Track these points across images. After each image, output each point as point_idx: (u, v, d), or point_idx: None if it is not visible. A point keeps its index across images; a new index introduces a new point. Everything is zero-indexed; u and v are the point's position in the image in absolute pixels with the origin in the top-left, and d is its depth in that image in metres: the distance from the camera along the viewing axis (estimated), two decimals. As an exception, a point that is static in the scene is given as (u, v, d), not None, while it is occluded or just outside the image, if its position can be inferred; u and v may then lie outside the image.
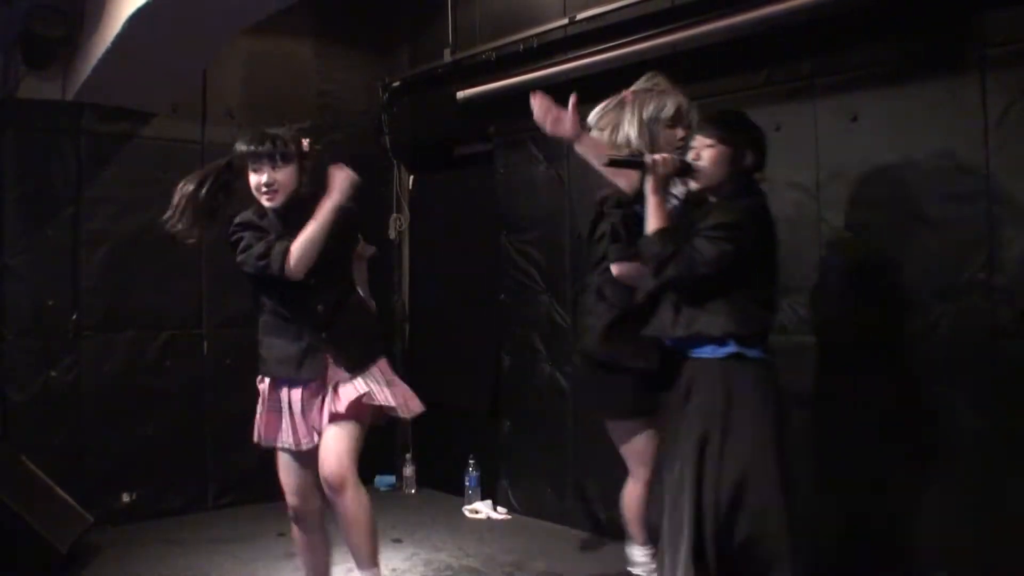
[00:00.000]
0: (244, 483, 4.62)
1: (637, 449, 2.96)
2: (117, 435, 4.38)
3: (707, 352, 2.51)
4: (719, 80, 3.68)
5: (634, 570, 3.04)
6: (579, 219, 4.27)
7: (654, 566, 2.92)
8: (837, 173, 3.29)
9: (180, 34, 3.75)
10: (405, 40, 5.38)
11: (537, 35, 4.33)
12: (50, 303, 4.29)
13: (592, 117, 2.96)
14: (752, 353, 2.49)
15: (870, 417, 3.19)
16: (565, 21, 4.21)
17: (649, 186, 2.52)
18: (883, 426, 3.15)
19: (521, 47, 4.39)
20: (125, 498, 4.43)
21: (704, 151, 2.57)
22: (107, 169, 4.46)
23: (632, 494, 3.01)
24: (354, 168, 3.02)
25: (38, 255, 4.28)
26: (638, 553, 3.03)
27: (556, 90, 4.26)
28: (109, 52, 3.82)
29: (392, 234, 5.46)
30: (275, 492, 4.77)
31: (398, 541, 4.14)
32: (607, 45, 3.97)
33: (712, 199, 2.58)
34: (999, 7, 2.90)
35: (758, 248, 2.51)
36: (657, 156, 2.53)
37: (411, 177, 5.48)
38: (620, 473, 4.08)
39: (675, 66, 3.75)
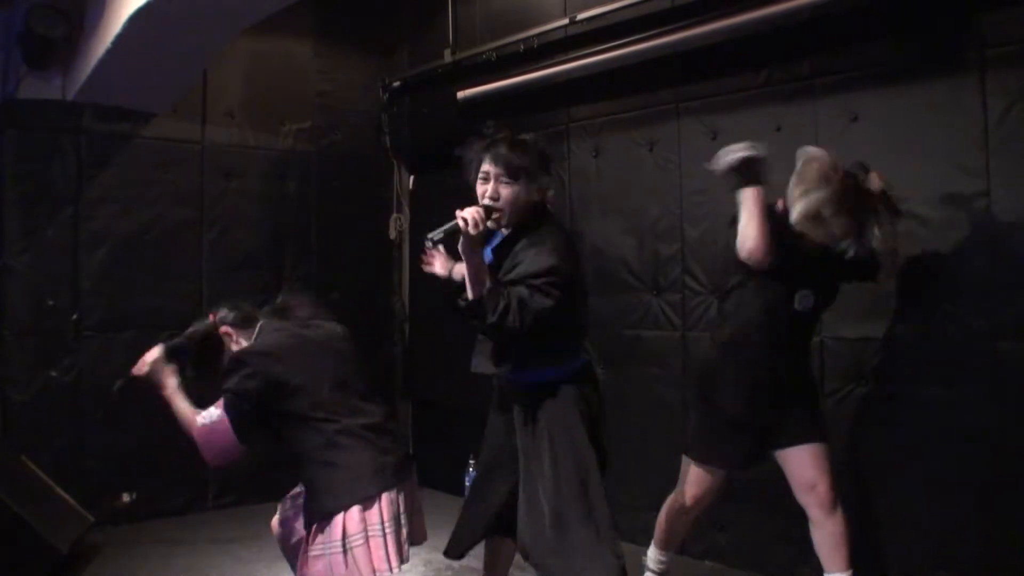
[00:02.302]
0: (244, 483, 4.62)
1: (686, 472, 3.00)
2: (117, 435, 4.38)
3: (535, 377, 2.58)
4: (719, 80, 3.68)
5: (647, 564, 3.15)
6: (579, 219, 4.28)
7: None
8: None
9: (180, 34, 3.75)
10: (405, 40, 5.38)
11: (537, 35, 4.33)
12: (50, 303, 4.29)
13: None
14: (569, 377, 2.58)
15: (870, 417, 3.19)
16: (565, 21, 4.21)
17: (462, 248, 2.33)
18: (883, 426, 3.15)
19: (521, 47, 4.39)
20: (125, 498, 4.43)
21: (501, 189, 2.44)
22: (107, 169, 4.46)
23: (671, 505, 3.08)
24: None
25: (38, 255, 4.27)
26: (652, 552, 3.14)
27: (556, 90, 4.31)
28: (109, 52, 3.82)
29: (392, 234, 5.46)
30: (275, 492, 4.81)
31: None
32: (607, 45, 3.97)
33: (521, 239, 2.47)
34: (999, 7, 2.90)
35: (572, 285, 2.47)
36: (464, 213, 2.34)
37: (411, 177, 5.48)
38: (620, 473, 4.09)
39: (675, 66, 3.77)
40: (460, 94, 4.69)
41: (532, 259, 2.40)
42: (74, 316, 4.35)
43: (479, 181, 2.47)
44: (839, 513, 2.74)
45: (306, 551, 2.37)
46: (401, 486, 2.47)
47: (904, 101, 3.13)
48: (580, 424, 2.57)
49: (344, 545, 2.29)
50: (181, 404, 2.43)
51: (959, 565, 2.94)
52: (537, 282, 2.36)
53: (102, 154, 4.45)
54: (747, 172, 2.58)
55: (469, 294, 2.40)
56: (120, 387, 2.60)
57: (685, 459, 2.99)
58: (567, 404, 2.57)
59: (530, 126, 4.52)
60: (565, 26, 4.22)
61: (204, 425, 2.32)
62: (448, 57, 4.90)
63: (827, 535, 2.75)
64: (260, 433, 2.37)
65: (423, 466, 5.42)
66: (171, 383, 2.47)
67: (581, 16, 4.11)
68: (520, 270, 2.41)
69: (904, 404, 3.09)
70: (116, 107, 4.40)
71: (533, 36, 4.35)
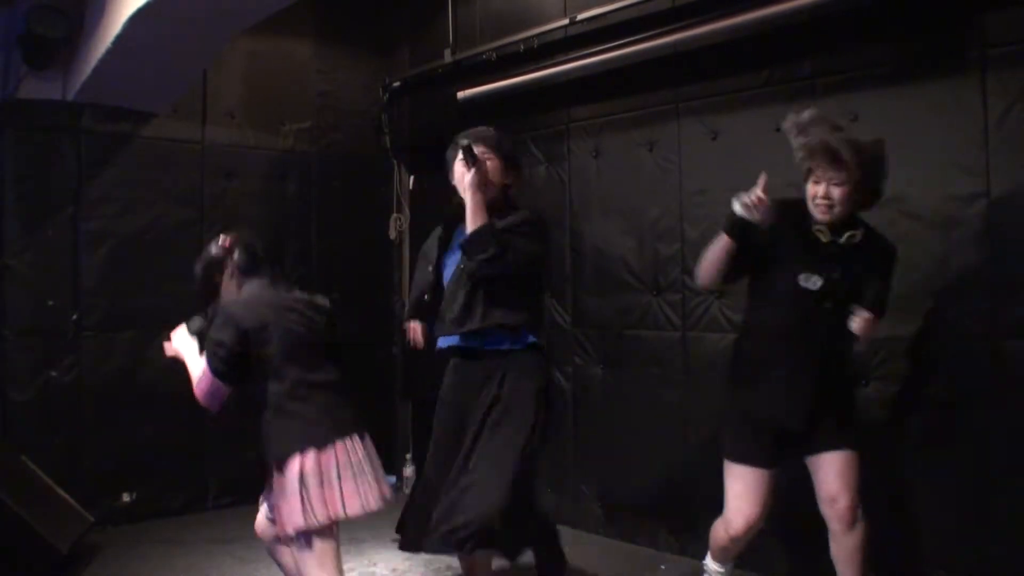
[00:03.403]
0: (244, 483, 4.60)
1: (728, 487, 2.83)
2: (117, 435, 4.38)
3: (506, 345, 2.80)
4: (719, 80, 3.69)
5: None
6: (579, 219, 4.28)
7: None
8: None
9: (180, 34, 3.75)
10: (405, 40, 5.38)
11: (537, 35, 4.33)
12: (50, 303, 4.29)
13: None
14: (542, 343, 2.88)
15: (870, 416, 3.19)
16: (565, 21, 4.21)
17: (470, 182, 2.71)
18: (882, 426, 3.15)
19: (521, 47, 4.39)
20: (125, 498, 4.43)
21: (488, 161, 2.83)
22: (107, 169, 4.46)
23: (718, 527, 2.88)
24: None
25: (38, 255, 4.27)
26: (711, 565, 2.99)
27: (556, 90, 4.31)
28: (109, 52, 3.82)
29: (392, 234, 5.46)
30: (275, 492, 4.80)
31: (398, 541, 4.13)
32: (607, 45, 3.97)
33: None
34: (999, 7, 2.90)
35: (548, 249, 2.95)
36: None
37: (411, 177, 5.48)
38: (620, 473, 4.09)
39: (675, 66, 3.77)
40: (460, 94, 4.69)
41: (516, 218, 2.75)
42: (74, 316, 4.35)
43: (459, 163, 2.78)
44: (858, 529, 2.66)
45: (269, 496, 2.58)
46: (356, 437, 2.64)
47: (904, 101, 3.13)
48: (540, 391, 2.78)
49: (301, 486, 2.42)
50: (193, 358, 2.69)
51: (959, 565, 2.94)
52: (526, 229, 2.72)
53: (102, 154, 4.45)
54: (727, 221, 2.66)
55: (471, 225, 2.68)
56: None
57: (726, 474, 2.79)
58: (533, 369, 2.80)
59: (530, 126, 4.53)
60: (565, 26, 4.22)
61: (197, 372, 2.60)
62: (448, 57, 4.89)
63: (843, 549, 2.70)
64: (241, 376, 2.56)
65: (423, 466, 5.42)
66: (192, 349, 2.72)
67: (581, 16, 4.11)
68: (506, 223, 2.71)
69: (904, 404, 3.09)
70: (116, 107, 4.40)
71: (533, 36, 4.35)
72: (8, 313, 4.21)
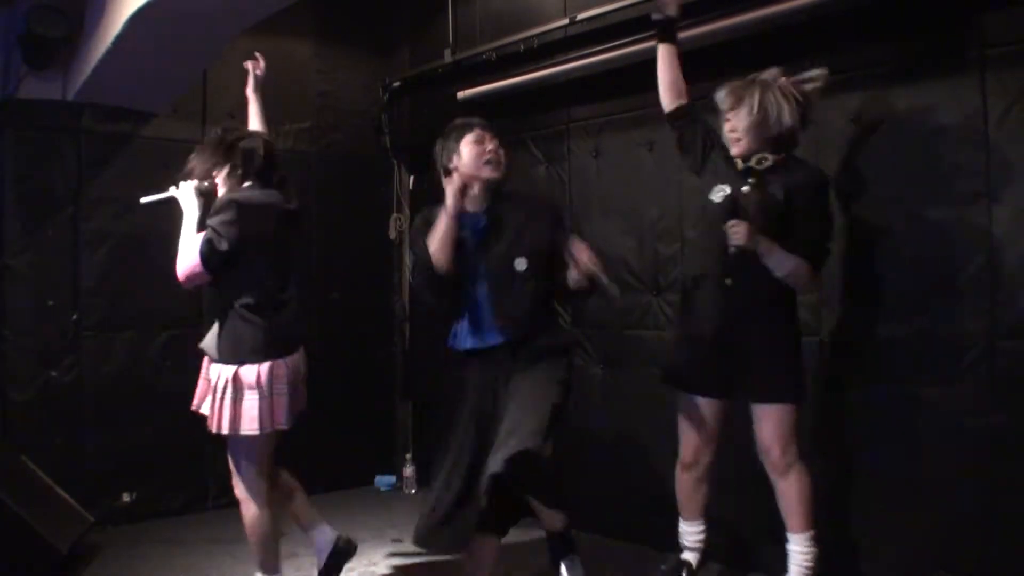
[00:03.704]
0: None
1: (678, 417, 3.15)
2: (117, 435, 4.38)
3: (546, 340, 2.85)
4: (719, 80, 3.67)
5: (681, 541, 3.18)
6: (579, 219, 4.28)
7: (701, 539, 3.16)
8: (837, 173, 3.29)
9: (180, 34, 3.75)
10: (405, 40, 5.38)
11: (537, 35, 4.33)
12: (50, 303, 4.28)
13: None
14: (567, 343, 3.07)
15: (870, 416, 3.19)
16: (565, 21, 4.21)
17: (453, 200, 2.75)
18: (883, 425, 3.15)
19: (521, 47, 4.39)
20: (125, 498, 4.43)
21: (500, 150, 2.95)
22: (107, 169, 4.46)
23: (676, 468, 3.18)
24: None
25: (38, 255, 4.27)
26: (682, 525, 3.19)
27: (556, 90, 4.30)
28: (109, 52, 3.82)
29: (392, 234, 5.46)
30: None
31: (398, 541, 4.14)
32: (607, 45, 3.97)
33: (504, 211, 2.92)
34: (999, 7, 2.90)
35: None
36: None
37: (411, 177, 5.48)
38: (620, 473, 4.09)
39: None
40: (460, 94, 4.69)
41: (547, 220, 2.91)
42: (74, 316, 4.35)
43: (471, 144, 2.84)
44: (793, 478, 2.87)
45: (212, 391, 2.81)
46: (297, 353, 2.95)
47: (904, 101, 3.13)
48: (567, 381, 2.79)
49: (257, 393, 2.76)
50: (189, 226, 2.90)
51: (959, 565, 2.94)
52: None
53: (102, 154, 4.45)
54: (655, 30, 3.10)
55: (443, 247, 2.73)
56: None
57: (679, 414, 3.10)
58: (564, 363, 2.82)
59: (530, 126, 4.53)
60: (565, 26, 4.22)
61: (186, 249, 2.82)
62: (448, 57, 4.89)
63: (781, 496, 2.92)
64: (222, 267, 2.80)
65: (423, 466, 5.45)
66: (192, 212, 2.93)
67: (581, 16, 4.11)
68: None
69: (904, 404, 3.09)
70: (116, 107, 4.40)
71: (533, 36, 4.34)
72: (8, 313, 4.21)
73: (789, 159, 2.89)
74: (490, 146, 2.81)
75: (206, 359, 2.95)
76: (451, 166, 2.85)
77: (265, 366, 2.79)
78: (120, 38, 3.70)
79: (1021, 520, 2.79)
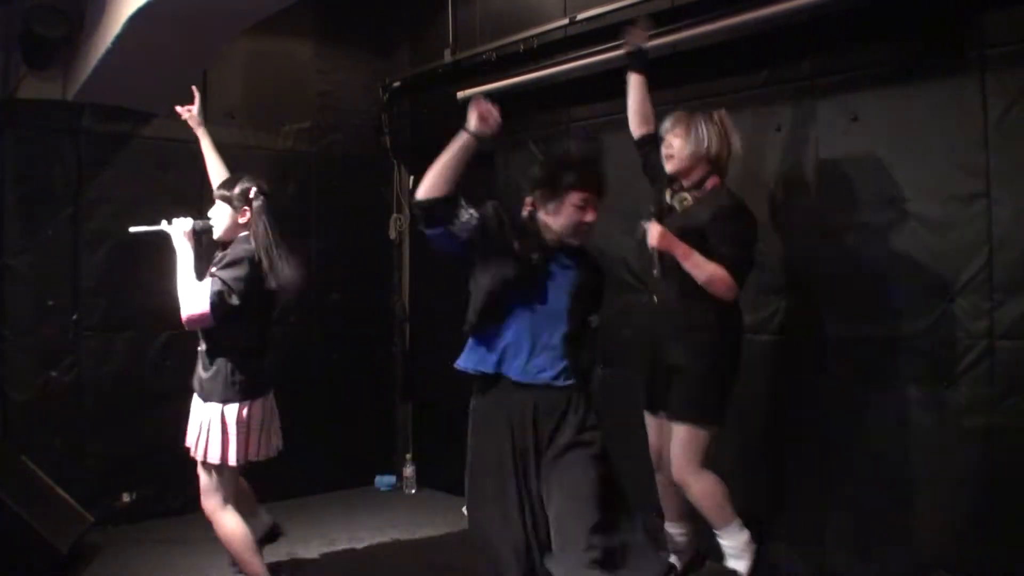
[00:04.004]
0: (244, 483, 4.63)
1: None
2: (117, 435, 4.38)
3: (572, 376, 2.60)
4: (719, 80, 3.68)
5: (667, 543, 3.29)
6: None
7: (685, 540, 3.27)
8: (837, 173, 3.30)
9: (180, 34, 3.74)
10: (405, 40, 5.38)
11: (537, 35, 4.33)
12: (50, 303, 4.29)
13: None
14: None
15: (870, 416, 3.19)
16: (565, 21, 4.21)
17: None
18: (883, 425, 3.15)
19: (521, 47, 4.39)
20: (125, 498, 4.43)
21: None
22: (107, 169, 4.46)
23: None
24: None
25: (38, 255, 4.27)
26: (667, 528, 3.31)
27: (556, 90, 4.31)
28: (109, 52, 3.81)
29: (392, 234, 5.46)
30: (275, 492, 4.80)
31: (398, 541, 4.14)
32: (607, 45, 3.97)
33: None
34: (999, 7, 2.90)
35: None
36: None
37: (411, 177, 5.48)
38: (619, 473, 4.08)
39: (675, 66, 3.76)
40: (460, 94, 4.68)
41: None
42: (74, 316, 4.35)
43: (573, 207, 2.57)
44: (691, 488, 3.02)
45: (198, 426, 3.05)
46: (271, 394, 3.18)
47: (904, 101, 3.13)
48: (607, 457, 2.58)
49: (237, 429, 3.01)
50: (187, 268, 3.06)
51: (959, 565, 2.94)
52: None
53: (102, 154, 4.45)
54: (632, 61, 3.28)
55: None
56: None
57: None
58: (590, 409, 2.60)
59: (530, 126, 4.53)
60: (565, 26, 4.22)
61: (193, 294, 2.98)
62: (448, 57, 4.90)
63: (664, 490, 3.22)
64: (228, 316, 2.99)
65: (423, 466, 5.46)
66: (188, 253, 3.10)
67: (581, 16, 4.11)
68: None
69: (904, 404, 3.09)
70: (116, 107, 4.40)
71: (533, 36, 4.35)
72: (8, 313, 4.21)
73: (714, 189, 3.04)
74: (589, 218, 2.56)
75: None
76: (544, 203, 2.59)
77: (246, 405, 3.06)
78: (120, 38, 3.70)
79: (1021, 520, 2.79)
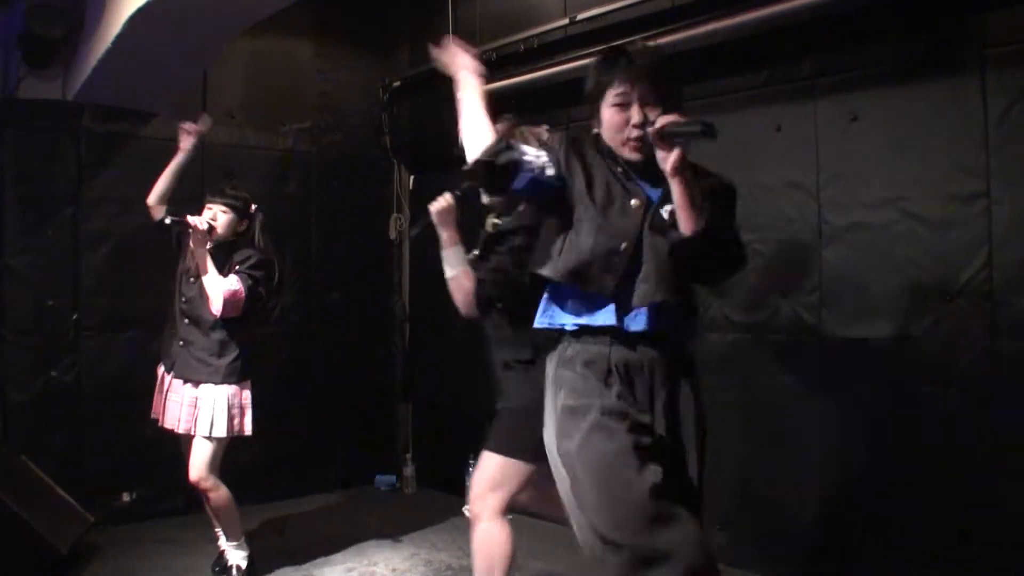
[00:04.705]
0: (243, 483, 4.60)
1: None
2: (117, 435, 4.38)
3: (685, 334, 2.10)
4: (719, 80, 3.69)
5: None
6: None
7: None
8: (837, 173, 3.30)
9: (180, 34, 3.74)
10: (405, 40, 5.38)
11: (537, 35, 4.33)
12: (50, 303, 4.28)
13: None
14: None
15: (870, 416, 3.19)
16: (565, 21, 4.21)
17: (674, 163, 1.84)
18: (883, 425, 3.15)
19: (521, 47, 4.39)
20: (125, 498, 4.43)
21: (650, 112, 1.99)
22: (107, 169, 4.46)
23: None
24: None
25: (38, 255, 4.27)
26: None
27: (556, 90, 4.30)
28: (109, 52, 3.81)
29: (392, 234, 5.46)
30: (275, 492, 4.80)
31: (398, 541, 4.14)
32: (607, 45, 3.96)
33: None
34: (999, 7, 2.90)
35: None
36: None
37: (411, 177, 5.48)
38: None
39: (675, 66, 3.76)
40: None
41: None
42: (74, 316, 4.35)
43: (613, 108, 1.99)
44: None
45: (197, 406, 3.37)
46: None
47: (904, 101, 3.13)
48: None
49: (240, 407, 3.41)
50: (208, 264, 3.33)
51: (958, 565, 2.94)
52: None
53: (102, 154, 4.44)
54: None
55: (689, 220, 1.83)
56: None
57: None
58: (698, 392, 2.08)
59: (530, 126, 4.52)
60: (565, 26, 4.22)
61: (227, 288, 3.30)
62: (448, 57, 4.89)
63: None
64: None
65: (423, 466, 5.45)
66: (201, 251, 3.34)
67: (581, 16, 4.11)
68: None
69: (904, 404, 3.09)
70: (116, 107, 4.40)
71: (533, 36, 4.35)
72: (8, 313, 4.21)
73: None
74: (635, 118, 1.95)
75: (171, 379, 3.44)
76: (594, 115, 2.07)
77: (247, 386, 3.46)
78: (120, 38, 3.70)
79: (1020, 520, 2.79)
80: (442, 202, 2.82)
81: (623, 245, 1.93)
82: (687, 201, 1.84)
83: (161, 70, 4.13)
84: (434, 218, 2.82)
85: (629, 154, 1.99)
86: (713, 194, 1.94)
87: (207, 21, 3.71)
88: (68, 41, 4.16)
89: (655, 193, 1.99)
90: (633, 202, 1.96)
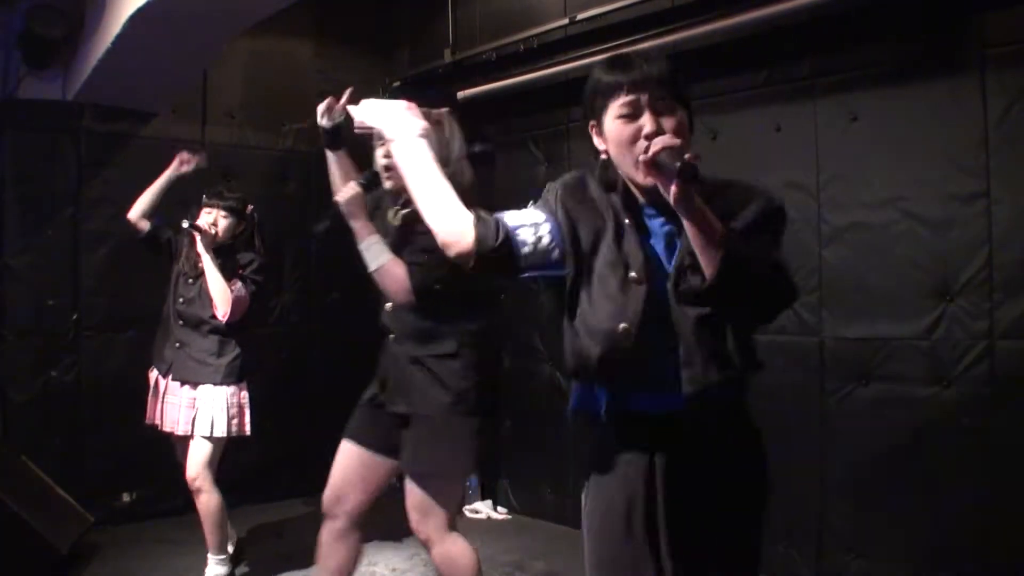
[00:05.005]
0: (243, 484, 4.61)
1: None
2: (117, 435, 4.38)
3: (727, 393, 1.71)
4: (719, 80, 3.69)
5: None
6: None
7: None
8: (837, 173, 3.30)
9: (180, 34, 3.74)
10: (405, 40, 5.38)
11: (537, 35, 4.33)
12: (50, 303, 4.28)
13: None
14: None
15: (870, 417, 3.19)
16: (565, 21, 4.21)
17: (678, 197, 1.51)
18: (883, 426, 3.15)
19: (521, 47, 4.39)
20: (125, 498, 4.43)
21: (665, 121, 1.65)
22: (107, 169, 4.45)
23: None
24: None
25: (38, 255, 4.27)
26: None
27: (556, 90, 4.31)
28: (109, 52, 3.81)
29: (392, 234, 5.46)
30: (275, 492, 4.79)
31: (398, 541, 4.13)
32: (607, 45, 3.97)
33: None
34: (999, 7, 2.90)
35: None
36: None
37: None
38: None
39: (684, 69, 3.77)
40: (460, 94, 4.69)
41: (748, 205, 1.63)
42: (74, 316, 4.35)
43: (619, 121, 1.64)
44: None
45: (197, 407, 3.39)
46: None
47: (904, 101, 3.13)
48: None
49: (239, 406, 3.45)
50: (216, 269, 3.38)
51: (959, 565, 2.94)
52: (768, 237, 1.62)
53: (102, 154, 4.44)
54: None
55: (707, 258, 1.51)
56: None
57: None
58: (758, 451, 1.74)
59: (530, 126, 4.53)
60: (565, 26, 4.22)
61: (235, 295, 3.38)
62: (448, 57, 4.89)
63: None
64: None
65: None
66: (209, 256, 3.40)
67: (581, 16, 4.11)
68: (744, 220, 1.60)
69: (904, 404, 3.09)
70: (116, 107, 4.40)
71: (533, 36, 4.35)
72: (8, 313, 4.21)
73: None
74: (648, 126, 1.60)
75: (168, 382, 3.44)
76: (598, 136, 1.73)
77: (244, 386, 3.49)
78: (120, 38, 3.70)
79: (1021, 520, 2.79)
80: (349, 192, 2.64)
81: (621, 326, 1.56)
82: (700, 241, 1.51)
83: (161, 70, 4.13)
84: (343, 209, 2.61)
85: (644, 178, 1.59)
86: (746, 219, 1.60)
87: (207, 21, 3.71)
88: (68, 41, 4.16)
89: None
90: (632, 275, 1.58)
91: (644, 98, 1.62)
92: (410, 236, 2.52)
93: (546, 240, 1.64)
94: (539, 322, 4.45)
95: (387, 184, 2.67)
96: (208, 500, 3.40)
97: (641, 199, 1.66)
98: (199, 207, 3.52)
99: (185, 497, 4.57)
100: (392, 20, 5.42)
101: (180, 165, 3.67)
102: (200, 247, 3.41)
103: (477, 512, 4.55)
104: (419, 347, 2.55)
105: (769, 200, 1.65)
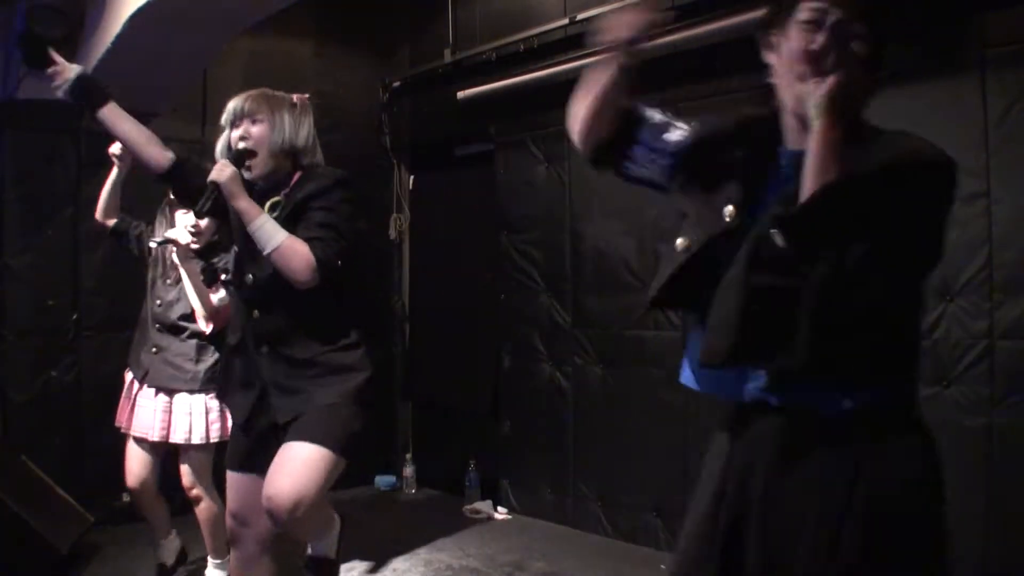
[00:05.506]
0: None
1: None
2: (117, 435, 4.37)
3: (856, 399, 1.48)
4: (719, 80, 3.69)
5: None
6: (579, 219, 4.28)
7: None
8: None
9: (180, 34, 3.75)
10: (405, 40, 5.38)
11: (537, 35, 4.34)
12: (50, 303, 4.28)
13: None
14: (908, 403, 1.57)
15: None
16: (565, 21, 4.21)
17: (825, 123, 1.44)
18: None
19: (521, 47, 4.39)
20: (125, 498, 4.41)
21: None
22: (107, 169, 4.43)
23: None
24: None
25: (38, 255, 4.27)
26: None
27: (556, 90, 4.30)
28: (109, 52, 3.82)
29: (392, 234, 5.46)
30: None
31: (398, 541, 4.14)
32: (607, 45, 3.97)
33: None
34: (999, 7, 2.90)
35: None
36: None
37: (411, 177, 5.48)
38: (620, 474, 4.10)
39: (675, 66, 3.77)
40: (460, 94, 4.69)
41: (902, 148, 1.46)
42: (74, 316, 4.35)
43: (799, 34, 1.51)
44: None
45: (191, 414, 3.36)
46: None
47: (904, 101, 3.12)
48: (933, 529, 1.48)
49: (208, 412, 3.36)
50: (196, 283, 3.20)
51: (959, 565, 2.93)
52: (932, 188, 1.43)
53: (102, 154, 4.41)
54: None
55: (810, 187, 1.34)
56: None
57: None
58: (916, 472, 1.49)
59: (530, 126, 4.53)
60: (565, 26, 4.22)
61: (221, 304, 3.20)
62: (448, 57, 4.90)
63: None
64: None
65: (423, 466, 5.45)
66: (187, 268, 3.22)
67: (581, 16, 4.11)
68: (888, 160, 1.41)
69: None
70: (116, 107, 4.40)
71: (533, 36, 4.35)
72: (8, 313, 4.21)
73: (304, 174, 2.64)
74: (818, 39, 1.46)
75: (143, 387, 3.41)
76: (773, 47, 1.61)
77: None
78: (120, 38, 3.71)
79: (1021, 520, 2.79)
80: (228, 170, 2.47)
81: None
82: (814, 163, 1.32)
83: (161, 70, 4.13)
84: (224, 189, 2.43)
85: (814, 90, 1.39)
86: (892, 171, 1.38)
87: (207, 21, 3.71)
88: (68, 41, 4.16)
89: None
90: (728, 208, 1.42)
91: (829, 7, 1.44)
92: (303, 212, 2.44)
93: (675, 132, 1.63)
94: (539, 322, 4.45)
95: (252, 173, 2.58)
96: (207, 507, 3.40)
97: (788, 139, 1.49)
98: (172, 208, 3.39)
99: (185, 497, 4.59)
100: (392, 20, 5.42)
101: (118, 160, 3.52)
102: (175, 258, 3.26)
103: (477, 512, 4.55)
104: (314, 346, 2.37)
105: (927, 151, 1.43)
